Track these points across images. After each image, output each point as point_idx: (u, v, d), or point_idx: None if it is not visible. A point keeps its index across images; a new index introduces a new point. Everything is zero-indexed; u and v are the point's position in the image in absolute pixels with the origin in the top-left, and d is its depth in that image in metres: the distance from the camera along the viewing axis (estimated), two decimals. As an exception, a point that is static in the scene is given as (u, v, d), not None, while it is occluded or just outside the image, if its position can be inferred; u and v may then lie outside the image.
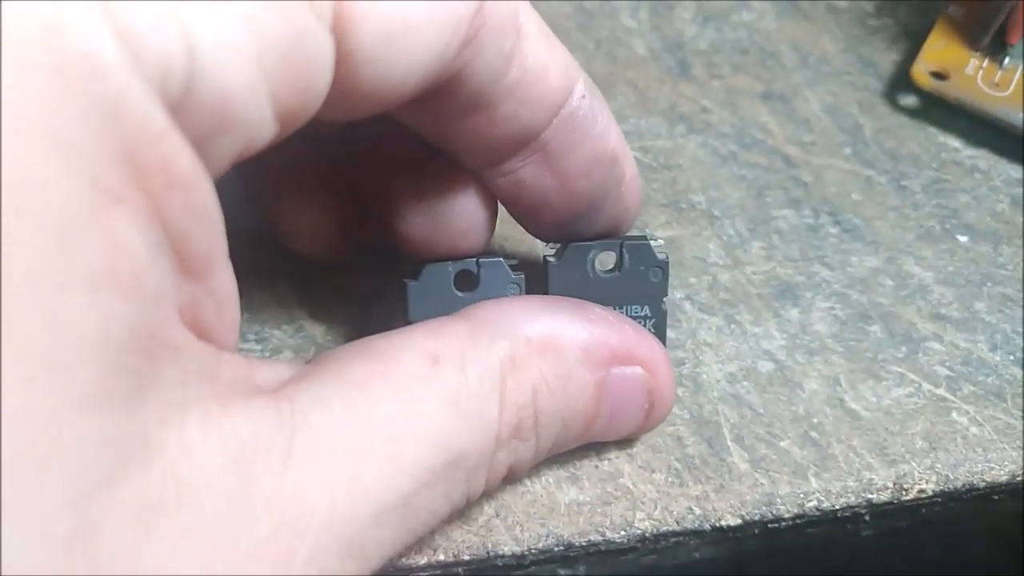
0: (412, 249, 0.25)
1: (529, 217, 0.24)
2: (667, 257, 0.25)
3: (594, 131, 0.22)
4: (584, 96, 0.22)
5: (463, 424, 0.19)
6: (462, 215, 0.24)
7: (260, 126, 0.17)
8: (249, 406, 0.17)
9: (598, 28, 0.35)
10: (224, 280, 0.17)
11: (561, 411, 0.22)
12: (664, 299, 0.25)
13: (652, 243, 0.25)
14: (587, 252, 0.25)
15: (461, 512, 0.23)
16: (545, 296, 0.24)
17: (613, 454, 0.25)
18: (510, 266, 0.25)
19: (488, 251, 0.25)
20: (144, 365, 0.15)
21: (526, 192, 0.23)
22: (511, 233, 0.29)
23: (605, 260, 0.25)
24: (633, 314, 0.25)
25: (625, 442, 0.26)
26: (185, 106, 0.15)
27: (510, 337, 0.21)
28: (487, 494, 0.22)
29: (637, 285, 0.25)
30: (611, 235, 0.25)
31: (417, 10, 0.18)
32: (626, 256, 0.25)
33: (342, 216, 0.26)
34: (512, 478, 0.22)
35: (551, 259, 0.25)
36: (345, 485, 0.18)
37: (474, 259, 0.25)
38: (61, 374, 0.14)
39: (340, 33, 0.17)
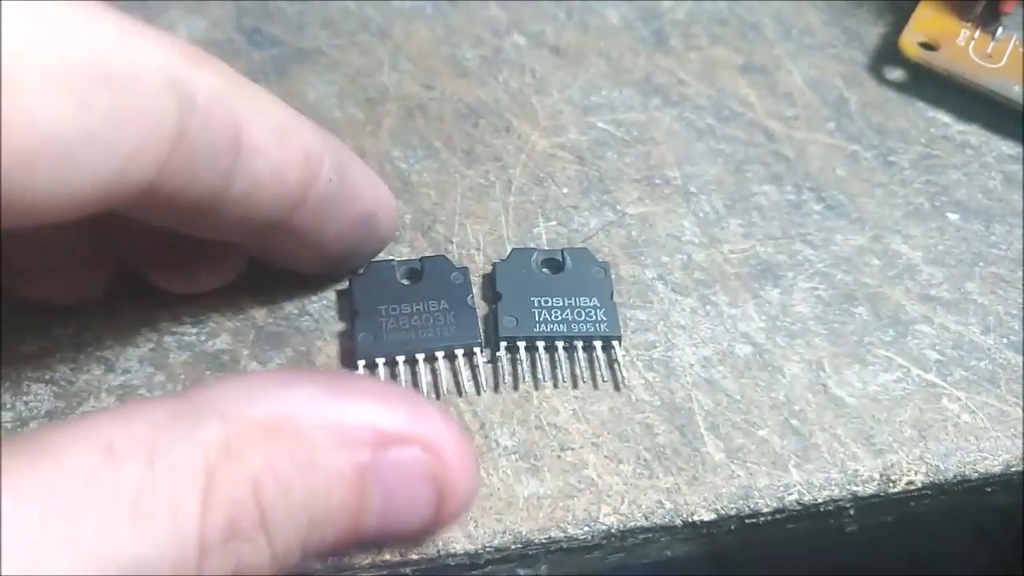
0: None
1: (290, 265, 0.25)
2: (607, 261, 0.27)
3: (344, 204, 0.22)
4: (331, 179, 0.21)
5: (143, 529, 0.15)
6: (214, 272, 0.25)
7: None
8: None
9: (569, -3, 0.34)
10: None
11: (303, 505, 0.17)
12: (611, 292, 0.26)
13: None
14: (530, 254, 0.26)
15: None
16: (297, 369, 0.22)
17: (578, 443, 0.24)
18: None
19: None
20: None
21: (281, 257, 0.23)
22: (464, 240, 0.28)
23: (549, 263, 0.26)
24: (582, 305, 0.25)
25: (590, 430, 0.24)
26: None
27: (227, 418, 0.17)
28: None
29: (583, 281, 0.26)
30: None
31: (68, 141, 0.16)
32: (568, 259, 0.26)
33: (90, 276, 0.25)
34: None
35: (496, 261, 0.26)
36: None
37: (417, 258, 0.26)
38: None
39: None
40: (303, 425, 0.17)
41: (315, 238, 0.22)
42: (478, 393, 0.24)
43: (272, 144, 0.20)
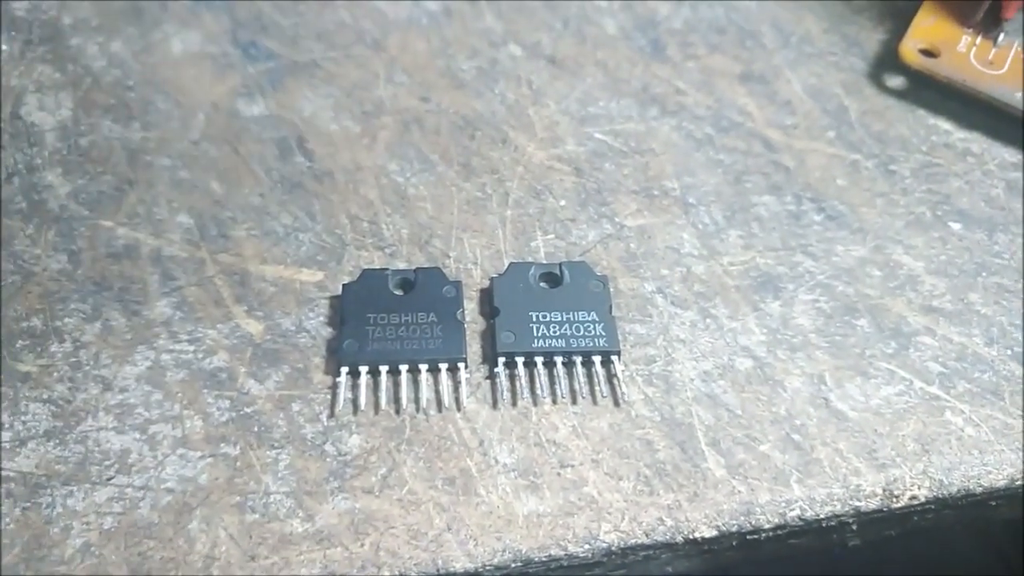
0: None
1: None
2: (605, 275, 0.26)
3: None
4: None
5: None
6: None
7: None
8: None
9: (566, 6, 0.33)
10: None
11: None
12: (610, 306, 0.26)
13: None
14: (528, 269, 0.26)
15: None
16: None
17: (577, 459, 0.23)
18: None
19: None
20: None
21: None
22: (461, 254, 0.28)
23: (547, 277, 0.26)
24: (581, 320, 0.25)
25: (590, 447, 0.24)
26: None
27: None
28: None
29: (582, 295, 0.26)
30: None
31: None
32: (566, 273, 0.26)
33: None
34: None
35: (493, 276, 0.26)
36: None
37: (412, 269, 0.26)
38: None
39: None
40: None
41: None
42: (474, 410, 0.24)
43: None
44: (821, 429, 0.24)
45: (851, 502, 0.23)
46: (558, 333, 0.25)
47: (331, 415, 0.24)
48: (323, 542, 0.22)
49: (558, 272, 0.26)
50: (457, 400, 0.24)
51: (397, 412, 0.24)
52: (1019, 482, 0.24)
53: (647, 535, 0.23)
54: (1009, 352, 0.26)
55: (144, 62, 0.31)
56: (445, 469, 0.23)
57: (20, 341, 0.25)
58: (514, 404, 0.24)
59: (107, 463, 0.23)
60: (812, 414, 0.25)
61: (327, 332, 0.26)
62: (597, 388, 0.25)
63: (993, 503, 0.24)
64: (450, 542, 0.22)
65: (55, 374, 0.24)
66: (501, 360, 0.25)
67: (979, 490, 0.24)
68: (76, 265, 0.26)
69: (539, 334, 0.25)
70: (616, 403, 0.24)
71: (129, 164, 0.29)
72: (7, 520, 0.22)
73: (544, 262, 0.27)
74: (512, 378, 0.25)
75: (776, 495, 0.23)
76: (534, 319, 0.25)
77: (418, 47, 0.32)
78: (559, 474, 0.23)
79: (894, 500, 0.24)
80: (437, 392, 0.25)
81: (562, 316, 0.25)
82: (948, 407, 0.25)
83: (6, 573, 0.22)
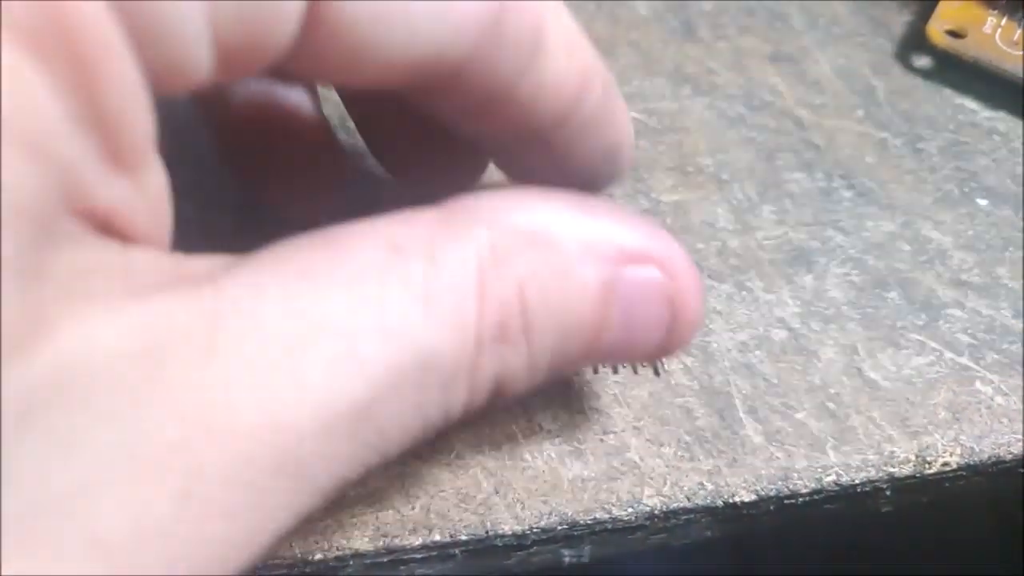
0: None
1: (518, 178, 0.23)
2: None
3: (600, 130, 0.21)
4: (598, 100, 0.20)
5: (433, 320, 0.16)
6: (455, 171, 0.23)
7: (191, 51, 0.14)
8: (167, 295, 0.14)
9: (598, -12, 0.34)
10: (157, 175, 0.15)
11: (558, 314, 0.18)
12: None
13: None
14: None
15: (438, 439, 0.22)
16: (545, 188, 0.21)
17: (619, 427, 0.24)
18: None
19: None
20: (43, 244, 0.13)
21: (521, 168, 0.22)
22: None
23: None
24: None
25: (631, 415, 0.24)
26: None
27: (492, 225, 0.17)
28: (471, 410, 0.18)
29: None
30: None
31: (419, 3, 0.16)
32: None
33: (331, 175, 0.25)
34: (502, 392, 0.19)
35: None
36: (282, 386, 0.15)
37: None
38: None
39: None
40: (558, 235, 0.18)
41: (564, 159, 0.21)
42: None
43: (562, 53, 0.19)
44: (855, 398, 0.25)
45: (885, 468, 0.24)
46: (598, 305, 0.25)
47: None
48: (375, 504, 0.23)
49: None
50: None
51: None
52: (1048, 449, 0.25)
53: (688, 499, 0.23)
54: (1037, 324, 0.26)
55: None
56: (491, 435, 0.24)
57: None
58: (556, 373, 0.25)
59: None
60: (846, 383, 0.25)
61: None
62: (637, 358, 0.25)
63: (1022, 470, 0.25)
64: (498, 505, 0.23)
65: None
66: (544, 331, 0.25)
67: (1009, 457, 0.24)
68: None
69: (580, 305, 0.25)
70: (656, 372, 0.25)
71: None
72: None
73: None
74: (554, 348, 0.25)
75: (813, 461, 0.24)
76: (575, 291, 0.26)
77: (454, 28, 0.33)
78: (602, 440, 0.24)
79: (927, 466, 0.24)
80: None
81: None
82: (978, 377, 0.25)
83: None
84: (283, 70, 0.17)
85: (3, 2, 0.12)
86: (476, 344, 0.17)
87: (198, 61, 0.15)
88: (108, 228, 0.15)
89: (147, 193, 0.15)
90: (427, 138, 0.23)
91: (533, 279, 0.18)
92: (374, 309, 0.16)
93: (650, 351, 0.20)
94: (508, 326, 0.17)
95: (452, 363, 0.17)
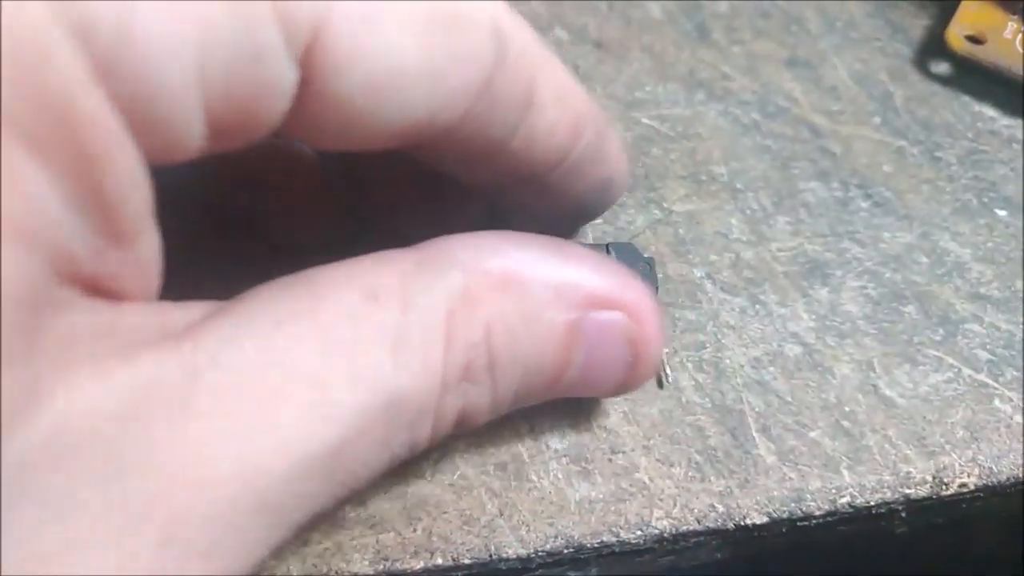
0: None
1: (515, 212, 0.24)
2: (651, 257, 0.26)
3: (593, 168, 0.21)
4: (589, 143, 0.21)
5: (403, 364, 0.17)
6: (457, 219, 0.23)
7: (183, 129, 0.15)
8: (151, 353, 0.15)
9: (610, -10, 0.33)
10: (150, 246, 0.16)
11: (523, 354, 0.19)
12: (656, 287, 0.25)
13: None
14: None
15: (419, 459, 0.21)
16: (521, 233, 0.21)
17: (628, 446, 0.24)
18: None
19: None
20: (36, 321, 0.14)
21: (515, 208, 0.23)
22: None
23: None
24: None
25: (641, 433, 0.24)
26: (109, 74, 0.14)
27: (465, 269, 0.18)
28: (434, 442, 0.19)
29: None
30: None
31: (411, 76, 0.17)
32: (613, 254, 0.25)
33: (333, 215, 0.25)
34: (464, 426, 0.20)
35: None
36: (258, 434, 0.16)
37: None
38: None
39: (311, 68, 0.16)
40: (529, 280, 0.19)
41: (558, 196, 0.22)
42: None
43: (553, 105, 0.20)
44: (870, 416, 0.24)
45: (901, 489, 0.23)
46: (607, 318, 0.25)
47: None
48: (375, 527, 0.22)
49: (605, 252, 0.26)
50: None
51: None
52: (1069, 471, 0.24)
53: (699, 521, 0.23)
54: (1058, 341, 0.26)
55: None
56: (496, 454, 0.23)
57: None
58: (564, 389, 0.24)
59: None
60: (861, 401, 0.25)
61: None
62: (646, 374, 0.25)
63: (1042, 492, 0.24)
64: (502, 528, 0.22)
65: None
66: (551, 345, 0.25)
67: (1029, 478, 0.24)
68: None
69: (588, 318, 0.25)
70: (660, 385, 0.24)
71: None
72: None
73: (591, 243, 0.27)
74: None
75: (826, 482, 0.23)
76: (583, 303, 0.25)
77: (462, 30, 0.32)
78: (610, 460, 0.23)
79: (944, 488, 0.24)
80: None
81: None
82: (997, 395, 0.25)
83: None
84: (277, 133, 0.17)
85: (5, 102, 0.13)
86: (442, 384, 0.18)
87: (192, 139, 0.15)
88: (98, 291, 0.16)
89: (140, 259, 0.16)
90: (421, 184, 0.24)
91: (501, 321, 0.19)
92: (347, 357, 0.17)
93: (611, 389, 0.21)
94: (474, 365, 0.19)
95: (419, 403, 0.18)
